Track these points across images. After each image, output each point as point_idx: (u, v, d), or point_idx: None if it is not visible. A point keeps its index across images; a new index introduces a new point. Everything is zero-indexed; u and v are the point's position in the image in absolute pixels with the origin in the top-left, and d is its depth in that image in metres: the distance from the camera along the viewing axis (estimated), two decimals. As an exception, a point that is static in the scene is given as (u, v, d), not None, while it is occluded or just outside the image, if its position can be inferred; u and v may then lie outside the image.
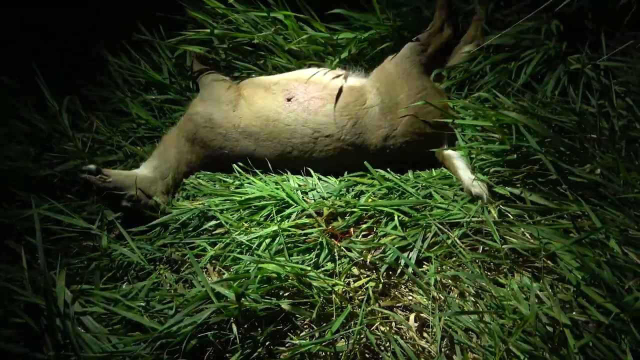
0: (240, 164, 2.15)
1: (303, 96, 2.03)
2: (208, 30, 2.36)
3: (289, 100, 2.03)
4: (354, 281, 1.74)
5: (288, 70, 2.28)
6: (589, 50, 1.90)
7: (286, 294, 1.69)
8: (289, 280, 1.67)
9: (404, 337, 1.56)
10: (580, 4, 1.89)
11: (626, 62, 1.84)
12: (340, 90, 2.02)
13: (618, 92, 1.79)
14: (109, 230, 2.11)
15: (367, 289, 1.68)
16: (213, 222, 2.05)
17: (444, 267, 1.73)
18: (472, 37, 2.05)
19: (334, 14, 2.28)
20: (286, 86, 2.06)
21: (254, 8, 2.36)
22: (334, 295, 1.64)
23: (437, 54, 2.07)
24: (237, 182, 2.17)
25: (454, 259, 1.76)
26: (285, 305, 1.59)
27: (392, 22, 2.10)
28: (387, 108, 1.96)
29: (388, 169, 2.07)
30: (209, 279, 1.79)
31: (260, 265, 1.69)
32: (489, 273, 1.72)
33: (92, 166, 2.00)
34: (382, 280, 1.72)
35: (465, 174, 1.85)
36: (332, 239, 1.86)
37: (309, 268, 1.72)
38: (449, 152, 1.95)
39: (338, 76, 2.08)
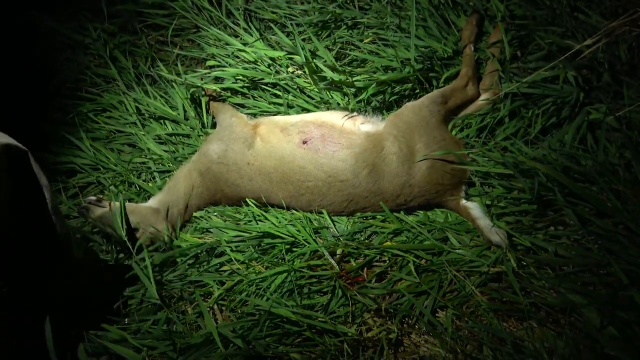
0: (252, 200, 2.12)
1: (319, 139, 2.01)
2: (226, 68, 2.38)
3: (304, 142, 2.02)
4: (367, 330, 1.67)
5: (304, 110, 2.28)
6: (609, 100, 1.89)
7: (296, 340, 1.62)
8: (300, 326, 1.60)
9: (420, 393, 1.48)
10: (597, 56, 1.90)
11: (647, 113, 1.82)
12: (357, 135, 2.01)
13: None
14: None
15: (380, 339, 1.62)
16: (223, 259, 2.00)
17: (460, 316, 1.67)
18: (488, 86, 2.05)
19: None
20: (303, 128, 2.05)
21: (272, 48, 2.39)
22: (345, 345, 1.57)
23: (456, 108, 2.06)
24: (247, 218, 2.13)
25: (471, 309, 1.70)
26: (294, 354, 1.52)
27: (412, 66, 2.11)
28: (405, 157, 1.94)
29: (401, 211, 2.03)
30: (216, 320, 1.73)
31: (270, 310, 1.63)
32: (507, 325, 1.65)
33: (92, 197, 2.09)
34: (397, 330, 1.65)
35: (484, 222, 1.81)
36: (345, 283, 1.81)
37: (320, 315, 1.66)
38: (466, 202, 1.91)
39: (355, 120, 2.07)
